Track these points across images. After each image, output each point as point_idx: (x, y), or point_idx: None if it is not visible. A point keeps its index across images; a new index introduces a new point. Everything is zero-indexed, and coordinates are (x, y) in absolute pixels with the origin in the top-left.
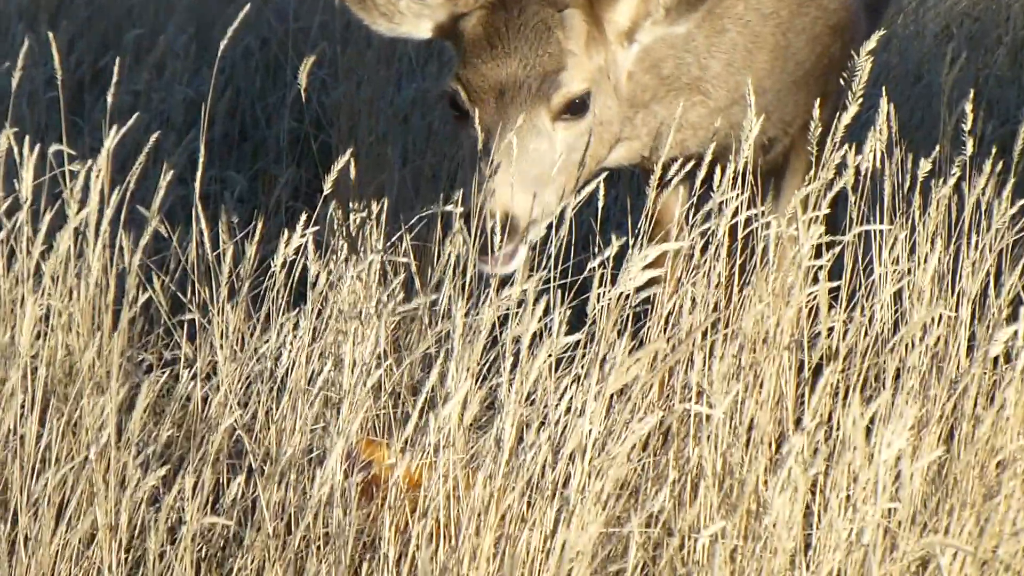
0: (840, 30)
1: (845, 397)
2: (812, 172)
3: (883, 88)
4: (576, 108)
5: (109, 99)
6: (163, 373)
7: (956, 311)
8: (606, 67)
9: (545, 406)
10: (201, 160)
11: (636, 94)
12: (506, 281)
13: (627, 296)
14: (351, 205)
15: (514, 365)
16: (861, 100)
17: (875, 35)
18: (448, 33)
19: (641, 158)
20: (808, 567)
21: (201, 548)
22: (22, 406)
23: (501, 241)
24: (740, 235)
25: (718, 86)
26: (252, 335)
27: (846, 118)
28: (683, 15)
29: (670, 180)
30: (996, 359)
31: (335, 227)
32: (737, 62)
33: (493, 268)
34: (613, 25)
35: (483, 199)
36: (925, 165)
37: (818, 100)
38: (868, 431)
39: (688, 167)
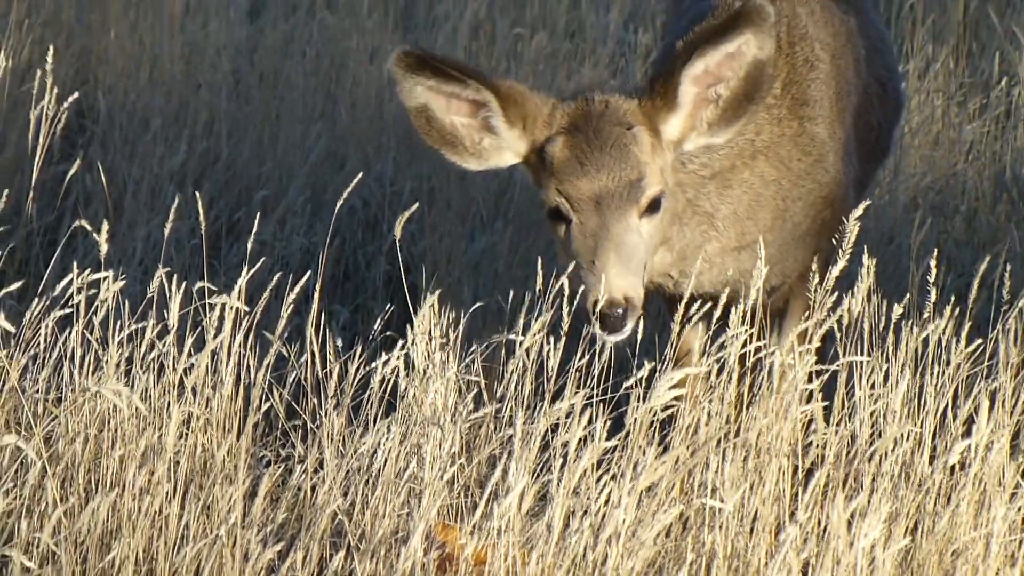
0: (832, 200)
1: (832, 496)
2: (807, 313)
3: (864, 247)
4: (655, 206)
5: (243, 246)
6: (280, 467)
7: (921, 428)
8: (666, 169)
9: (588, 499)
10: (314, 296)
11: (673, 203)
12: (559, 394)
13: (656, 410)
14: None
15: (563, 465)
16: (849, 256)
17: (862, 204)
18: (530, 159)
19: (667, 277)
20: None
21: None
22: (167, 493)
23: (623, 320)
24: (748, 363)
25: (727, 227)
26: (352, 437)
27: (836, 270)
28: (723, 128)
29: (691, 317)
30: (953, 467)
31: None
32: (742, 212)
33: (618, 338)
34: (666, 136)
35: (603, 291)
36: (897, 310)
37: (813, 255)
38: (849, 524)
39: (706, 307)
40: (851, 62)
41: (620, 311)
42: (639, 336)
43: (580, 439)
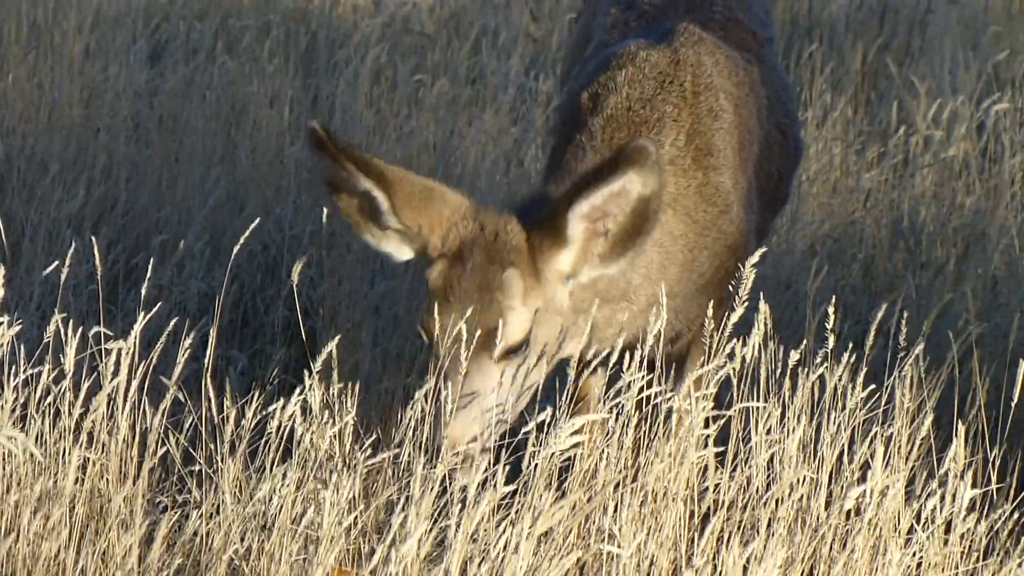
0: (735, 248)
1: (728, 541)
2: (703, 359)
3: (760, 293)
4: (515, 350)
5: (140, 291)
6: (176, 513)
7: (817, 473)
8: (547, 304)
9: (486, 544)
10: (211, 341)
11: (578, 305)
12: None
13: (555, 456)
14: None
15: (461, 510)
16: (746, 303)
17: (758, 252)
18: (423, 262)
19: (576, 350)
20: None
21: None
22: (63, 538)
23: (462, 463)
24: (645, 409)
25: (639, 295)
26: (249, 483)
27: (734, 317)
28: (614, 259)
29: (590, 362)
30: (849, 512)
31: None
32: (654, 275)
33: (465, 480)
34: (555, 272)
35: (447, 433)
36: (794, 356)
37: (713, 302)
38: (745, 568)
39: (604, 354)
40: (754, 111)
41: (462, 455)
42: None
43: (479, 484)
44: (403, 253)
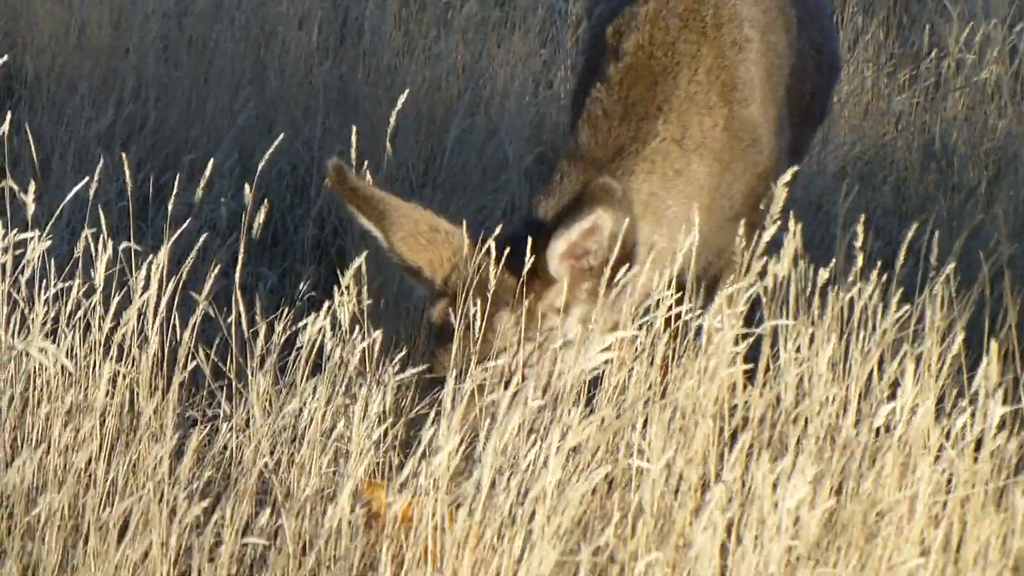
0: (765, 175)
1: (757, 457)
2: (734, 277)
3: (791, 213)
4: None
5: (169, 208)
6: (207, 427)
7: (846, 391)
8: (542, 336)
9: (515, 458)
10: (241, 258)
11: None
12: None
13: (585, 373)
14: (362, 293)
15: (491, 424)
16: (777, 222)
17: (789, 171)
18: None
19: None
20: None
21: (235, 566)
22: (94, 450)
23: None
24: (673, 326)
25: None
26: (279, 397)
27: (766, 236)
28: (602, 293)
29: (619, 282)
30: (878, 430)
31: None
32: (677, 232)
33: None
34: (550, 308)
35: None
36: (824, 275)
37: (745, 223)
38: (774, 485)
39: (633, 271)
40: (783, 35)
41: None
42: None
43: (509, 399)
44: (408, 262)
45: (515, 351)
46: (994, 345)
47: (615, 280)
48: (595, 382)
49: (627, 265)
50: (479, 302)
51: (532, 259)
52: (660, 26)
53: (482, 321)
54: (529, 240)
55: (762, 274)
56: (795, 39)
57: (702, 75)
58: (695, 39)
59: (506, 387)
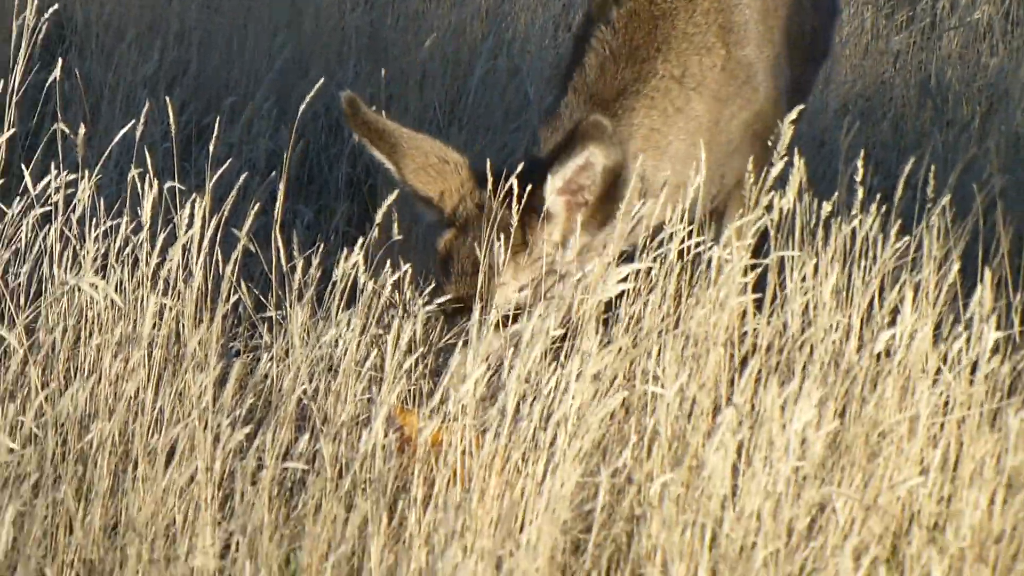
0: (762, 114)
1: (765, 382)
2: (742, 211)
3: (796, 149)
4: (516, 312)
5: (211, 149)
6: (249, 356)
7: (849, 319)
8: (544, 268)
9: (538, 384)
10: (280, 195)
11: (586, 256)
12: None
13: (602, 303)
14: (393, 230)
15: (515, 353)
16: (784, 158)
17: (795, 110)
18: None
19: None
20: (734, 508)
21: (276, 489)
22: (142, 379)
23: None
24: (687, 258)
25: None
26: (316, 328)
27: (774, 171)
28: (597, 226)
29: (635, 215)
30: (879, 355)
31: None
32: (679, 165)
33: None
34: (547, 243)
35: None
36: (827, 207)
37: (752, 159)
38: (782, 408)
39: (648, 205)
40: None
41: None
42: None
43: (531, 330)
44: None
45: (516, 286)
46: (988, 273)
47: (629, 213)
48: (608, 308)
49: (617, 199)
50: (478, 235)
51: (530, 196)
52: None
53: (483, 254)
54: (527, 179)
55: (769, 207)
56: None
57: (699, 17)
58: None
59: (513, 321)
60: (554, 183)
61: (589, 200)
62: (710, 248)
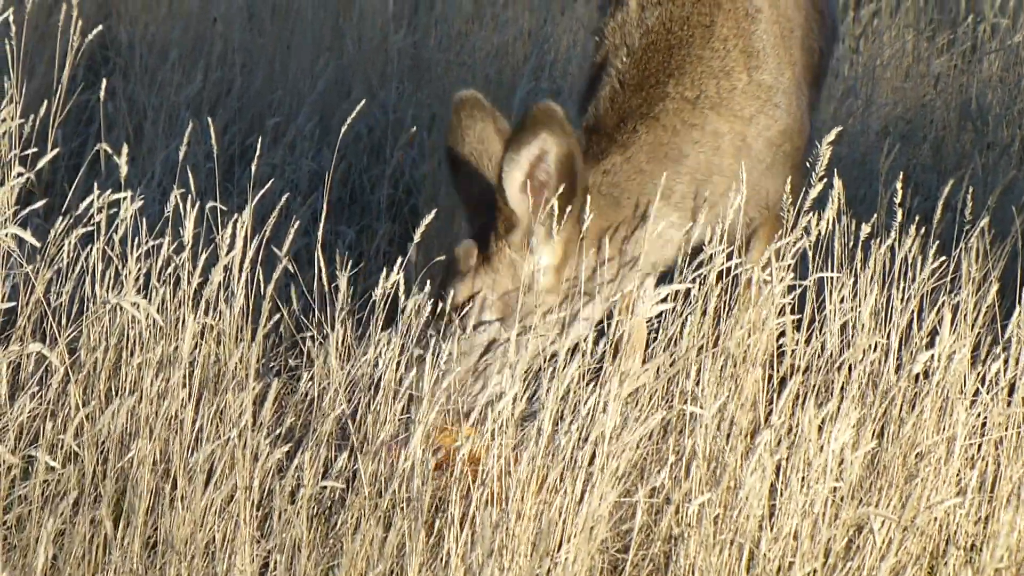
0: (788, 132)
1: (804, 402)
2: (779, 233)
3: (835, 171)
4: (461, 310)
5: (253, 169)
6: (289, 375)
7: (888, 339)
8: (512, 282)
9: (576, 404)
10: (322, 216)
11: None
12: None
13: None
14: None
15: (552, 374)
16: (823, 180)
17: (834, 131)
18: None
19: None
20: (772, 529)
21: (314, 508)
22: (182, 398)
23: None
24: (726, 279)
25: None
26: (356, 348)
27: (812, 192)
28: (565, 235)
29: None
30: (917, 376)
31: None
32: (700, 177)
33: None
34: (516, 249)
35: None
36: (866, 229)
37: (791, 181)
38: (820, 428)
39: (687, 228)
40: (791, 1)
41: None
42: None
43: (569, 349)
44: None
45: (470, 286)
46: None
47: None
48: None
49: (576, 192)
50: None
51: (497, 205)
52: (677, 2)
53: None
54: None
55: (807, 229)
56: (803, 3)
57: (717, 44)
58: (710, 12)
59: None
60: (513, 180)
61: (550, 199)
62: (749, 269)
